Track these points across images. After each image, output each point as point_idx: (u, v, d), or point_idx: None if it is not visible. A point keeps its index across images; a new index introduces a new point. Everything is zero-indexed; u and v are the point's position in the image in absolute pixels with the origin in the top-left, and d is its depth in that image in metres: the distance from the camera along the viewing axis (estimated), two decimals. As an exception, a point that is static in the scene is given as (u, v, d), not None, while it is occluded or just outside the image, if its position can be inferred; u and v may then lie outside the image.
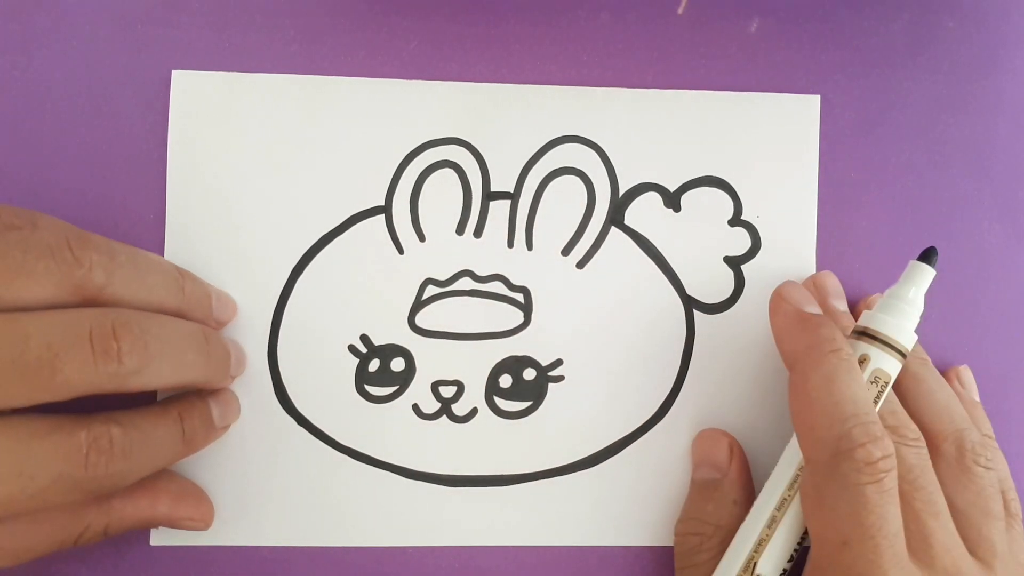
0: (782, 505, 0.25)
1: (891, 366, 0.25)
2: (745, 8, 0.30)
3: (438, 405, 0.29)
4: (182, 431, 0.25)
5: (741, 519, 0.26)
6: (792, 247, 0.29)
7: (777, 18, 0.30)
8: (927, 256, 0.26)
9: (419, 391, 0.28)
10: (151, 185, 0.28)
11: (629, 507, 0.29)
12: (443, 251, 0.29)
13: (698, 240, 0.29)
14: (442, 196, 0.29)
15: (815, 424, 0.23)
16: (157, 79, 0.29)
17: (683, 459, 0.29)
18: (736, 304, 0.29)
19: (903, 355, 0.25)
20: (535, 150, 0.29)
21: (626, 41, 0.30)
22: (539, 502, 0.28)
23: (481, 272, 0.29)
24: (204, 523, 0.27)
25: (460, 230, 0.29)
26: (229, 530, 0.28)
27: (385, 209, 0.29)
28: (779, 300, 0.27)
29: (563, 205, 0.29)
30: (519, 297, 0.29)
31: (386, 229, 0.29)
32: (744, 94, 0.29)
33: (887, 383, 0.25)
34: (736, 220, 0.29)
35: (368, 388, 0.28)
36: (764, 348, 0.29)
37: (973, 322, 0.30)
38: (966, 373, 0.29)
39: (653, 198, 0.29)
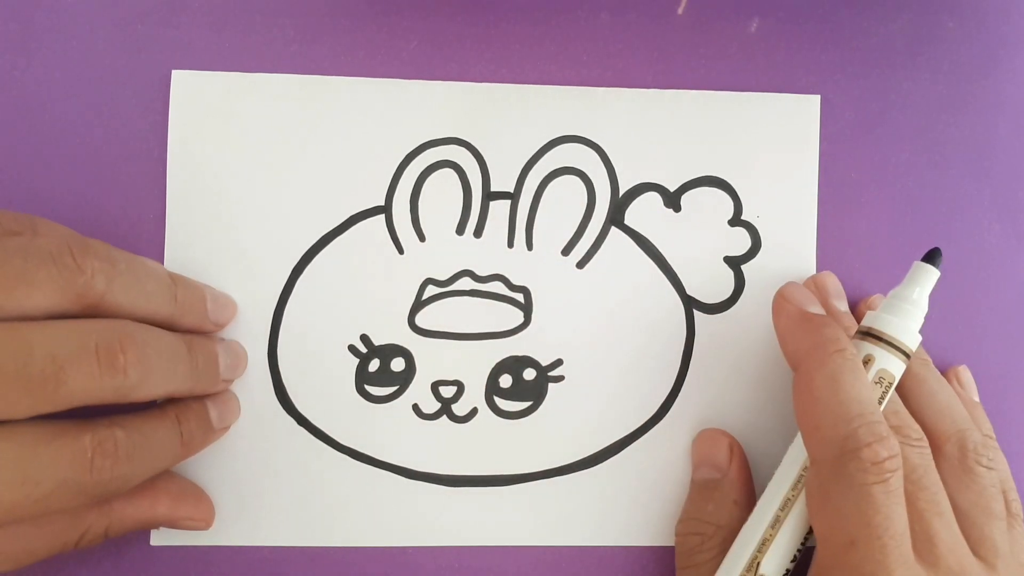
0: (786, 505, 0.25)
1: (895, 366, 0.25)
2: (745, 8, 0.30)
3: (438, 405, 0.28)
4: (180, 434, 0.25)
5: (742, 519, 0.26)
6: (792, 247, 0.29)
7: (777, 18, 0.30)
8: (931, 257, 0.26)
9: (419, 391, 0.28)
10: (151, 185, 0.28)
11: (629, 507, 0.29)
12: (443, 251, 0.29)
13: (698, 240, 0.29)
14: (442, 196, 0.29)
15: (820, 424, 0.23)
16: (157, 79, 0.29)
17: (683, 459, 0.29)
18: (736, 304, 0.29)
19: (907, 356, 0.25)
20: (535, 150, 0.29)
21: (626, 41, 0.30)
22: (539, 502, 0.28)
23: (481, 272, 0.29)
24: (204, 523, 0.27)
25: (460, 230, 0.29)
26: (229, 530, 0.28)
27: (385, 209, 0.29)
28: (782, 301, 0.27)
29: (563, 205, 0.29)
30: (519, 297, 0.29)
31: (386, 229, 0.29)
32: (744, 94, 0.29)
33: (891, 383, 0.25)
34: (736, 220, 0.29)
35: (368, 388, 0.28)
36: (764, 348, 0.29)
37: (973, 322, 0.30)
38: (965, 373, 0.29)
39: (653, 198, 0.29)
